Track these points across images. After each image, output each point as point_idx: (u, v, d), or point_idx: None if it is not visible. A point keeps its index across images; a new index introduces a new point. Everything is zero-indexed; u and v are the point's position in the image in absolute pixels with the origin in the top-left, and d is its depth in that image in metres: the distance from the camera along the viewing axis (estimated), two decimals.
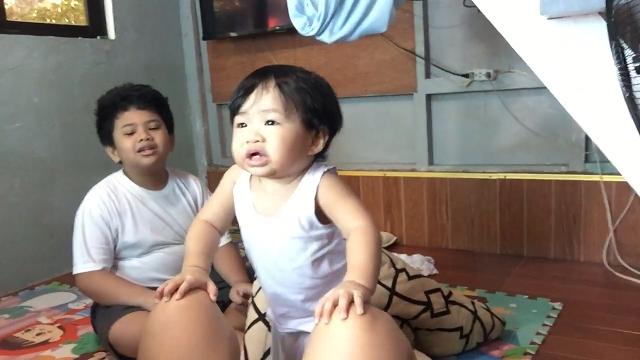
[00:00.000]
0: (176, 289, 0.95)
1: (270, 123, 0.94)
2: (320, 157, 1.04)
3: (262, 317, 1.31)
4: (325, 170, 1.01)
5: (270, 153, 0.94)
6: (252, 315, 1.33)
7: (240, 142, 0.96)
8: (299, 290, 1.04)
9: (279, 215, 1.01)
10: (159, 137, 1.69)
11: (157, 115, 1.70)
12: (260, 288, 1.34)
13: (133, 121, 1.65)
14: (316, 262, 1.02)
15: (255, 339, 1.29)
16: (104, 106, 1.71)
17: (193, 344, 0.94)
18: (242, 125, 0.97)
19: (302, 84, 0.97)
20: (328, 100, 1.01)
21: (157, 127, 1.70)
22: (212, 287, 0.99)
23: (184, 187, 1.81)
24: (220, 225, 1.11)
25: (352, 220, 0.97)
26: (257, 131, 0.95)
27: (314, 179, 1.00)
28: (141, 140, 1.64)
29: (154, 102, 1.71)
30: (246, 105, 0.95)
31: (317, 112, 0.98)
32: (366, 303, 0.84)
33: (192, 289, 0.97)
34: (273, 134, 0.94)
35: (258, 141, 0.94)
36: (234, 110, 0.98)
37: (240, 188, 1.06)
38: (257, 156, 0.95)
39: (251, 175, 1.05)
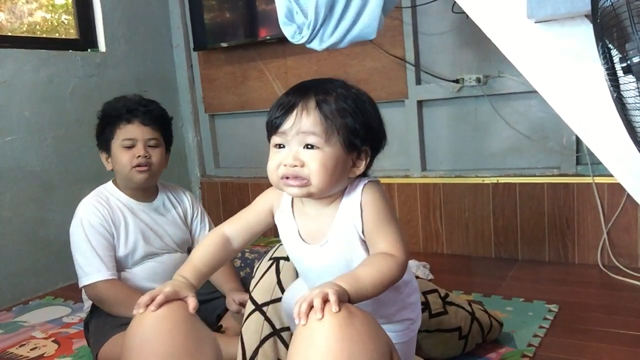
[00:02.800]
0: (153, 300, 0.95)
1: (309, 147, 0.92)
2: (362, 176, 1.00)
3: (258, 307, 1.30)
4: (365, 182, 0.98)
5: (311, 178, 0.92)
6: (249, 307, 1.32)
7: (276, 163, 0.94)
8: None
9: (326, 240, 0.98)
10: (156, 155, 1.69)
11: (158, 134, 1.70)
12: (258, 282, 1.33)
13: (134, 136, 1.65)
14: None
15: (252, 328, 1.28)
16: (108, 114, 1.70)
17: (171, 355, 0.93)
18: (279, 146, 0.95)
19: (343, 104, 0.93)
20: (370, 119, 0.96)
21: (157, 145, 1.70)
22: (191, 301, 0.97)
23: (174, 199, 1.81)
24: (238, 243, 1.08)
25: (384, 249, 0.95)
26: (295, 155, 0.92)
27: (355, 197, 0.97)
28: (139, 156, 1.64)
29: (158, 120, 1.71)
30: (285, 126, 0.92)
31: (359, 133, 0.94)
32: (342, 302, 0.84)
33: (171, 300, 0.96)
34: (313, 159, 0.91)
35: (296, 166, 0.92)
36: (272, 129, 0.95)
37: (283, 215, 1.04)
38: (296, 179, 0.92)
39: (292, 201, 1.03)
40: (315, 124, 0.91)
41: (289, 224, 1.03)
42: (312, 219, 1.00)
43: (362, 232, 0.96)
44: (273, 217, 1.07)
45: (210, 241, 1.07)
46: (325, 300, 0.83)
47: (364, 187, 0.97)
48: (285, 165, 0.92)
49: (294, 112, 0.92)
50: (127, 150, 1.65)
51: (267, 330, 1.26)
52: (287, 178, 0.93)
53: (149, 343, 0.94)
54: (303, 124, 0.91)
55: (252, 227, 1.07)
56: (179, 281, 1.01)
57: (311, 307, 0.83)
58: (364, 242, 0.97)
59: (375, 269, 0.91)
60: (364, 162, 0.97)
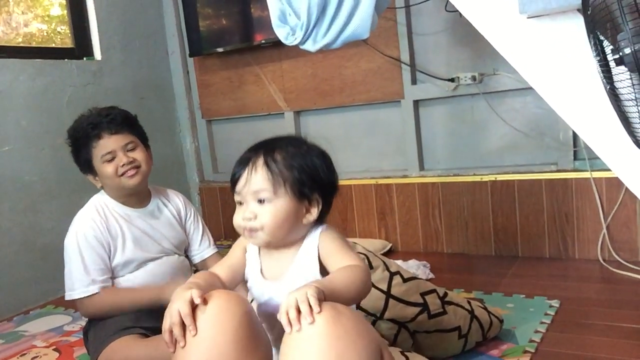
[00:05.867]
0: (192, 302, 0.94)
1: (261, 201, 1.02)
2: (319, 222, 1.08)
3: None
4: (323, 229, 1.07)
5: (261, 228, 1.02)
6: None
7: (239, 218, 1.05)
8: None
9: (285, 278, 1.05)
10: (139, 156, 1.68)
11: (131, 136, 1.69)
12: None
13: (111, 148, 1.64)
14: None
15: None
16: (75, 137, 1.68)
17: (229, 348, 0.93)
18: (239, 203, 1.05)
19: (290, 160, 1.03)
20: (317, 170, 1.05)
21: (135, 147, 1.69)
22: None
23: (167, 201, 1.81)
24: (226, 281, 1.12)
25: (345, 262, 1.00)
26: (251, 209, 1.03)
27: (313, 240, 1.06)
28: (123, 164, 1.64)
29: (125, 123, 1.69)
30: (239, 186, 1.03)
31: (306, 184, 1.03)
32: (320, 300, 0.86)
33: (226, 290, 1.00)
34: (264, 212, 1.02)
35: (251, 219, 1.02)
36: (232, 189, 1.06)
37: (251, 254, 1.12)
38: (252, 231, 1.03)
39: None
40: (263, 180, 1.02)
41: (254, 262, 1.11)
42: (275, 259, 1.08)
43: (320, 272, 1.03)
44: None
45: (205, 272, 1.14)
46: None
47: (321, 232, 1.07)
48: (243, 219, 1.03)
49: (245, 172, 1.03)
50: (110, 163, 1.64)
51: None
52: (245, 230, 1.04)
53: (209, 331, 0.93)
54: (253, 182, 1.02)
55: (234, 268, 1.13)
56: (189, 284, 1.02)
57: (298, 311, 0.85)
58: None
59: (344, 274, 0.97)
60: (316, 209, 1.06)
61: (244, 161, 1.05)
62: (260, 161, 1.02)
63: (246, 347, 0.95)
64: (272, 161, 1.02)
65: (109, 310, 1.61)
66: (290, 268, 1.05)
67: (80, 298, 1.61)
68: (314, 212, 1.05)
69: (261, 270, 1.09)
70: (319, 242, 1.05)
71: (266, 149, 1.04)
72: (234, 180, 1.05)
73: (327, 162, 1.08)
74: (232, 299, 0.97)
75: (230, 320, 0.94)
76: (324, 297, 0.88)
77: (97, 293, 1.60)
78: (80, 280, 1.61)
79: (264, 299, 1.08)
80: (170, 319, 0.93)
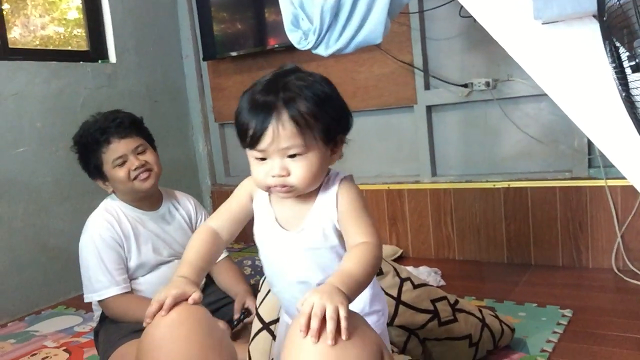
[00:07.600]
0: (161, 306, 0.94)
1: (292, 156, 0.93)
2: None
3: (266, 326, 1.30)
4: (342, 177, 1.01)
5: (297, 184, 0.95)
6: (256, 325, 1.32)
7: (263, 173, 0.95)
8: None
9: (302, 227, 1.00)
10: (149, 158, 1.68)
11: (140, 139, 1.69)
12: (264, 298, 1.33)
13: (122, 152, 1.63)
14: None
15: (260, 348, 1.28)
16: (84, 143, 1.67)
17: (188, 359, 0.92)
18: (261, 159, 0.95)
19: (312, 106, 0.93)
20: (335, 106, 0.98)
21: (145, 149, 1.68)
22: (195, 294, 0.96)
23: (178, 205, 1.81)
24: (226, 234, 1.08)
25: (359, 237, 0.97)
26: (281, 165, 0.94)
27: (332, 188, 1.00)
28: (136, 168, 1.63)
29: (133, 126, 1.68)
30: (264, 144, 0.92)
31: (332, 128, 0.96)
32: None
33: (183, 302, 0.95)
34: (298, 167, 0.94)
35: (283, 175, 0.94)
36: (249, 145, 0.95)
37: (260, 203, 1.05)
38: (284, 187, 0.95)
39: None
40: (294, 136, 0.92)
41: (265, 210, 1.04)
42: (289, 206, 1.02)
43: (337, 221, 0.99)
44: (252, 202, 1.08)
45: (199, 237, 1.07)
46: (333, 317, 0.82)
47: (341, 181, 1.01)
48: (273, 176, 0.94)
49: (270, 129, 0.91)
50: (121, 167, 1.64)
51: None
52: (276, 186, 0.95)
53: (166, 347, 0.92)
54: (282, 139, 0.92)
55: (235, 215, 1.08)
56: (179, 280, 0.99)
57: (321, 319, 0.81)
58: (337, 231, 1.00)
59: (360, 259, 0.93)
60: (340, 148, 1.01)
61: (262, 112, 0.93)
62: (285, 115, 0.91)
63: (205, 354, 0.94)
64: (298, 114, 0.91)
65: (131, 317, 1.59)
66: (308, 216, 1.00)
67: (107, 298, 1.60)
68: (339, 151, 1.00)
69: (275, 218, 1.02)
70: (339, 193, 0.99)
71: (284, 96, 0.93)
72: (257, 137, 0.92)
73: (335, 90, 1.00)
74: (186, 312, 0.95)
75: (183, 333, 0.93)
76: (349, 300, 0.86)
77: (120, 294, 1.60)
78: (101, 282, 1.60)
79: (276, 251, 1.03)
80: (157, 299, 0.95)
